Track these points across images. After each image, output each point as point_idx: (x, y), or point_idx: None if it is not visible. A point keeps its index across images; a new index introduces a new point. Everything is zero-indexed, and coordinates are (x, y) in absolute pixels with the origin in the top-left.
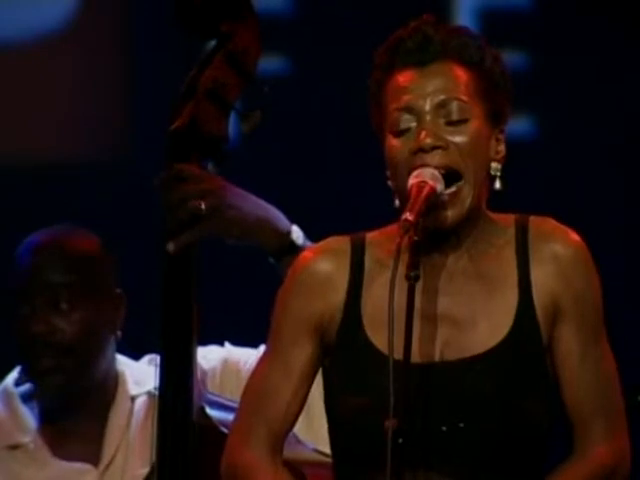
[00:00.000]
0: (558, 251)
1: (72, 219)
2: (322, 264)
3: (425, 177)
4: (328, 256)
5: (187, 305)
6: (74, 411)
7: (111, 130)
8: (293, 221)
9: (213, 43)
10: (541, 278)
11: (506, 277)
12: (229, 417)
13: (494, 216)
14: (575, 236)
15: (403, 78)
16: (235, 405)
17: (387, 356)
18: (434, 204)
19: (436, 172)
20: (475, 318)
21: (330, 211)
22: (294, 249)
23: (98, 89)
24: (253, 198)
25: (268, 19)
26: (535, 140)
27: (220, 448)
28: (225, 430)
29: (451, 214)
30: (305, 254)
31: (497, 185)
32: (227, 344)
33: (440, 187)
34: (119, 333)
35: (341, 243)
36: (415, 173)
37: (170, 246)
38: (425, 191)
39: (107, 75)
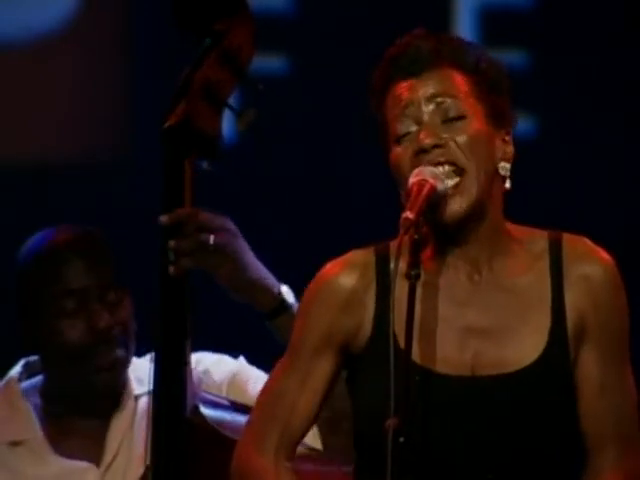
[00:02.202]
0: (589, 272)
1: (72, 219)
2: (347, 279)
3: (425, 175)
4: (353, 270)
5: (182, 305)
6: (79, 409)
7: (111, 130)
8: (293, 221)
9: (207, 41)
10: (572, 299)
11: (539, 292)
12: (223, 415)
13: (521, 228)
14: (607, 257)
15: (399, 89)
16: (228, 403)
17: (420, 365)
18: (437, 201)
19: (436, 170)
20: (506, 333)
21: (331, 211)
22: (285, 308)
23: (98, 89)
24: (252, 255)
25: (268, 19)
26: (535, 139)
27: (214, 446)
28: (218, 428)
29: (457, 205)
30: (329, 268)
31: (507, 185)
32: (241, 358)
33: (441, 185)
34: (135, 326)
35: (365, 256)
36: (415, 172)
37: (171, 269)
38: (426, 189)
39: (107, 75)
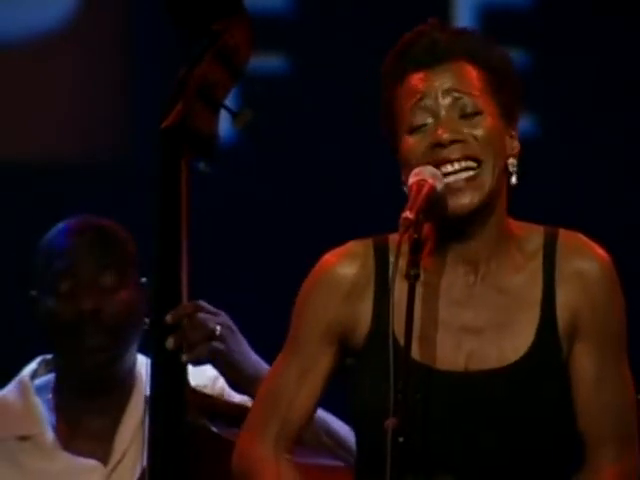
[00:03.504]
0: (583, 268)
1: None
2: (346, 269)
3: (425, 175)
4: (352, 261)
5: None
6: (89, 406)
7: (111, 130)
8: (292, 221)
9: (204, 40)
10: (565, 294)
11: (531, 291)
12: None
13: (518, 224)
14: (602, 253)
15: (415, 79)
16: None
17: (419, 362)
18: (436, 201)
19: (436, 170)
20: (499, 332)
21: (330, 211)
22: None
23: (98, 89)
24: (249, 349)
25: (268, 18)
26: (535, 139)
27: (215, 450)
28: (219, 432)
29: (469, 198)
30: (328, 258)
31: (513, 180)
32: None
33: (440, 185)
34: (146, 320)
35: (364, 247)
36: (415, 171)
37: (185, 356)
38: (425, 189)
39: (107, 75)
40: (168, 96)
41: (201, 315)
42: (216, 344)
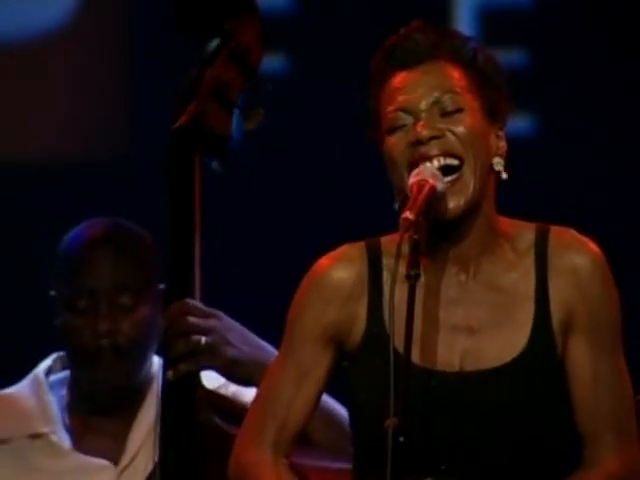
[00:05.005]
0: (576, 262)
1: (72, 220)
2: (339, 272)
3: (425, 175)
4: (345, 264)
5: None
6: (103, 407)
7: (111, 130)
8: (293, 220)
9: (216, 41)
10: (558, 290)
11: (524, 288)
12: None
13: (510, 222)
14: (594, 248)
15: (396, 81)
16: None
17: (415, 364)
18: (436, 201)
19: (436, 171)
20: (492, 331)
21: (330, 211)
22: None
23: (98, 89)
24: (254, 339)
25: (268, 17)
26: (534, 138)
27: (224, 448)
28: (228, 430)
29: (454, 202)
30: (322, 262)
31: (504, 176)
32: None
33: (441, 185)
34: (152, 331)
35: (357, 250)
36: (416, 171)
37: (169, 374)
38: (426, 189)
39: (107, 75)
40: (177, 96)
41: (188, 320)
42: (201, 357)
